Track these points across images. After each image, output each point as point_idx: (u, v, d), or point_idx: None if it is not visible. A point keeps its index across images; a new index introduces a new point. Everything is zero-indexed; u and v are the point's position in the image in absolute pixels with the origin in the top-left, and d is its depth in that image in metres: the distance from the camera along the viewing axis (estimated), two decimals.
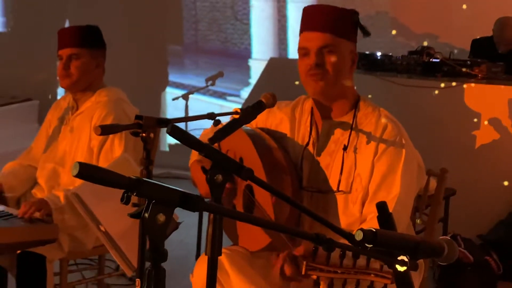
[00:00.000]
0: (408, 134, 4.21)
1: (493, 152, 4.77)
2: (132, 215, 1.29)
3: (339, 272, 1.89)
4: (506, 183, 4.67)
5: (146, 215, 1.28)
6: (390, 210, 2.05)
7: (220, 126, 2.32)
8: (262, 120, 2.62)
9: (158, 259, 1.31)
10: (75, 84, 3.22)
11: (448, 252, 1.57)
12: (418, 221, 3.20)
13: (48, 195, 3.05)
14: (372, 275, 1.84)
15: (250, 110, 2.34)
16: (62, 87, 3.33)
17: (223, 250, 2.46)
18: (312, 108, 2.54)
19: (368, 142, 2.43)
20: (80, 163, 1.18)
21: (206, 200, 1.55)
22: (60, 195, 3.00)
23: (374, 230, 1.46)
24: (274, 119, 2.62)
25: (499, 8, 5.64)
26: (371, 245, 1.48)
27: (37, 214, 2.93)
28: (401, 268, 1.55)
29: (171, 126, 1.59)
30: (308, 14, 2.46)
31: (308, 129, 2.53)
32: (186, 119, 2.24)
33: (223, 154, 1.69)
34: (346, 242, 1.64)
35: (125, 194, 1.27)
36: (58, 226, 2.90)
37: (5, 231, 2.77)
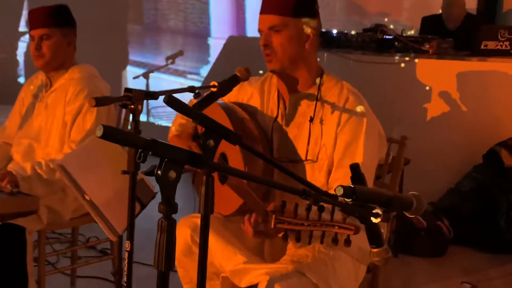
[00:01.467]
0: None
1: (443, 124, 4.88)
2: (147, 173, 1.39)
3: (305, 224, 1.92)
4: (458, 153, 4.80)
5: (160, 172, 1.36)
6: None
7: (199, 98, 2.43)
8: (234, 95, 2.66)
9: (170, 211, 1.40)
10: (48, 64, 3.22)
11: (416, 206, 1.69)
12: None
13: (14, 167, 3.05)
14: (336, 227, 1.87)
15: (226, 84, 2.41)
16: (36, 67, 3.30)
17: (199, 216, 2.59)
18: (278, 82, 2.60)
19: (332, 113, 2.48)
20: (104, 126, 1.27)
21: None
22: (27, 166, 2.99)
23: (353, 186, 1.60)
24: (245, 93, 2.68)
25: None
26: (350, 200, 1.62)
27: (3, 184, 2.90)
28: (375, 220, 1.66)
29: (168, 96, 1.67)
30: None
31: (276, 102, 2.59)
32: (170, 91, 2.30)
33: (214, 121, 1.76)
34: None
35: (142, 153, 1.35)
36: (39, 198, 2.87)
37: None
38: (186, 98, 2.82)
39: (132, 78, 6.74)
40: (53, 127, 3.18)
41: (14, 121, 3.42)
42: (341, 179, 2.41)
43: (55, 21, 3.21)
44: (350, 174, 2.33)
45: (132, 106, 2.20)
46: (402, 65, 4.97)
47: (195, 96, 2.39)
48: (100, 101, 2.27)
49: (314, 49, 2.55)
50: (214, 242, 2.47)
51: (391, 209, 1.67)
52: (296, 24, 2.45)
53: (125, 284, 2.41)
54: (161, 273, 1.43)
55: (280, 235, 2.07)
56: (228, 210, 2.53)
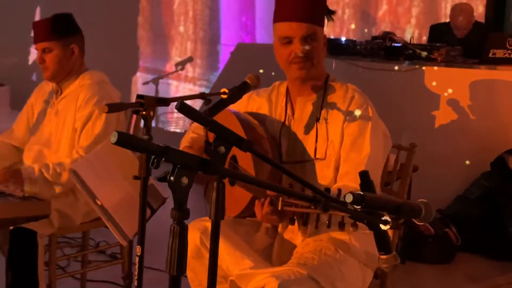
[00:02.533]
0: None
1: (452, 131, 4.87)
2: (159, 179, 1.42)
3: (312, 207, 1.92)
4: (467, 162, 4.78)
5: (172, 178, 1.38)
6: (362, 168, 2.19)
7: (209, 105, 2.45)
8: (243, 105, 2.75)
9: (182, 216, 1.43)
10: (54, 75, 3.26)
11: (425, 213, 1.71)
12: None
13: (24, 166, 3.09)
14: (342, 212, 1.88)
15: (236, 90, 2.45)
16: (44, 78, 3.33)
17: (209, 219, 2.61)
18: (287, 89, 2.68)
19: (338, 112, 2.55)
20: (119, 132, 1.29)
21: None
22: (36, 167, 3.02)
23: (362, 193, 1.62)
24: (254, 104, 2.76)
25: None
26: (359, 207, 1.64)
27: (11, 186, 2.92)
28: (384, 227, 1.68)
29: (180, 102, 1.69)
30: (284, 3, 2.56)
31: (284, 108, 2.67)
32: (181, 98, 2.32)
33: (225, 128, 1.79)
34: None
35: (155, 159, 1.37)
36: (50, 203, 2.87)
37: (1, 208, 2.76)
38: (197, 104, 2.85)
39: (142, 84, 6.78)
40: (64, 133, 3.20)
41: (21, 125, 3.46)
42: (349, 173, 2.45)
43: (54, 34, 3.23)
44: (357, 167, 2.41)
45: (144, 113, 2.23)
46: (411, 72, 4.97)
47: (206, 103, 2.42)
48: (112, 108, 2.29)
49: (323, 53, 2.63)
50: (222, 246, 2.42)
51: (400, 216, 1.69)
52: (321, 33, 2.56)
53: None
54: (173, 277, 1.45)
55: (287, 218, 2.14)
56: (236, 210, 2.56)
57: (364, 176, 1.85)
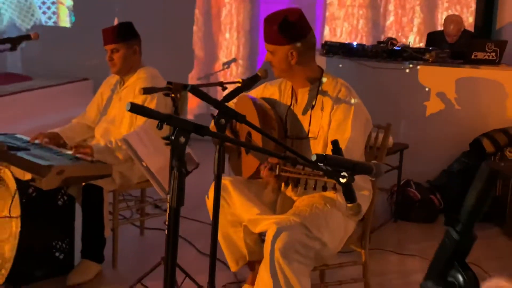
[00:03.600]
0: (375, 104, 4.38)
1: (439, 118, 4.86)
2: (164, 137, 1.53)
3: (302, 174, 2.04)
4: (450, 142, 4.76)
5: (173, 137, 1.48)
6: (344, 148, 2.27)
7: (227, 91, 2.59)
8: (260, 92, 2.83)
9: (180, 165, 1.50)
10: (120, 70, 3.37)
11: (376, 171, 1.81)
12: None
13: (93, 142, 3.21)
14: (326, 177, 2.00)
15: (249, 80, 2.59)
16: (112, 72, 3.43)
17: (229, 178, 2.73)
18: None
19: (329, 101, 2.59)
20: (132, 104, 1.42)
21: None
22: (102, 142, 3.15)
23: (324, 154, 1.74)
24: (268, 91, 2.81)
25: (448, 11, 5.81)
26: (322, 164, 1.76)
27: (86, 154, 3.04)
28: (342, 180, 1.74)
29: (191, 86, 1.84)
30: (263, 27, 2.62)
31: (290, 95, 2.72)
32: (201, 85, 2.44)
33: (227, 106, 1.92)
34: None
35: (160, 123, 1.48)
36: (111, 166, 3.01)
37: (76, 168, 2.87)
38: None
39: (196, 79, 6.84)
40: (125, 115, 3.30)
41: (92, 108, 3.57)
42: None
43: (120, 38, 3.32)
44: (342, 145, 2.46)
45: (173, 95, 2.35)
46: (407, 71, 4.95)
47: (223, 89, 2.54)
48: (147, 90, 2.42)
49: (303, 60, 2.61)
50: (237, 198, 2.62)
51: (355, 172, 1.79)
52: (282, 49, 2.56)
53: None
54: (173, 208, 1.53)
55: (283, 181, 2.23)
56: (249, 173, 2.64)
57: (334, 144, 1.95)
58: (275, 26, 2.54)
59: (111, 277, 3.27)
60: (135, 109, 1.46)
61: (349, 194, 1.83)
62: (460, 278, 0.80)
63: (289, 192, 2.69)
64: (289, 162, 1.82)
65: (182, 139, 1.48)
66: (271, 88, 2.81)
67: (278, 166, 2.13)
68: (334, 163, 1.75)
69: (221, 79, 6.62)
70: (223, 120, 1.84)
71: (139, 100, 3.22)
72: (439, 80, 4.90)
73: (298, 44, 2.58)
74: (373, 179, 1.88)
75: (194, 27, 6.99)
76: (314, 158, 1.68)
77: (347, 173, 1.75)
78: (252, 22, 6.76)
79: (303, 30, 2.59)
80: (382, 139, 2.79)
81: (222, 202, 2.60)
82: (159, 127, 1.48)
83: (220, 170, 1.82)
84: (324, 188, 2.05)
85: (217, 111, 1.93)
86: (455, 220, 0.84)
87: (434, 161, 4.74)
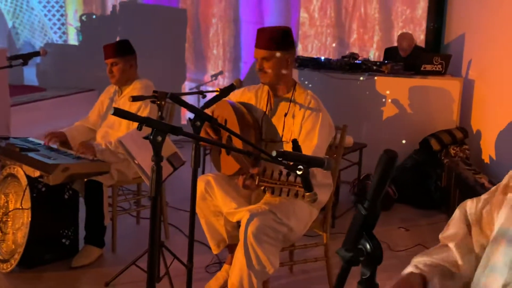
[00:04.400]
0: (340, 109, 4.37)
1: (394, 121, 4.90)
2: (144, 137, 1.53)
3: (277, 183, 2.04)
4: (403, 141, 4.83)
5: (151, 137, 1.49)
6: (311, 152, 2.30)
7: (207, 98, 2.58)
8: (239, 96, 2.78)
9: (158, 161, 1.51)
10: (118, 81, 3.35)
11: (327, 164, 1.83)
12: None
13: (95, 143, 3.21)
14: (297, 186, 1.99)
15: (225, 89, 2.54)
16: (111, 83, 3.43)
17: (212, 174, 2.73)
18: (268, 90, 2.69)
19: (299, 110, 2.57)
20: (116, 108, 1.44)
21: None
22: (103, 143, 3.14)
23: (283, 151, 1.77)
24: (245, 96, 2.77)
25: (402, 29, 5.86)
26: (281, 159, 1.78)
27: (85, 154, 3.03)
28: (299, 172, 1.76)
29: (170, 93, 1.85)
30: (257, 35, 2.59)
31: (266, 102, 2.70)
32: (184, 94, 2.43)
33: (201, 111, 1.93)
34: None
35: (140, 125, 1.49)
36: (110, 164, 3.02)
37: (78, 165, 2.89)
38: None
39: (189, 89, 6.84)
40: (122, 120, 3.22)
41: (94, 114, 3.56)
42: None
43: (119, 53, 3.32)
44: (308, 151, 2.47)
45: (158, 102, 2.35)
46: (367, 81, 4.98)
47: (203, 97, 2.54)
48: (135, 98, 2.42)
49: (290, 68, 2.61)
50: (218, 192, 2.62)
51: (309, 165, 1.81)
52: (278, 55, 2.55)
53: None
54: (152, 197, 1.56)
55: (261, 188, 2.16)
56: (230, 172, 2.63)
57: (294, 142, 1.98)
58: (277, 33, 2.53)
59: (110, 259, 3.28)
60: (118, 113, 1.48)
61: (307, 184, 1.84)
62: (368, 245, 0.85)
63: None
64: (260, 159, 1.82)
65: (159, 138, 1.49)
66: (249, 94, 2.78)
67: (257, 177, 2.11)
68: (292, 158, 1.77)
69: (211, 89, 6.62)
70: (198, 123, 1.85)
71: (135, 107, 3.22)
72: (393, 89, 4.93)
73: (293, 52, 2.60)
74: (326, 170, 1.88)
75: (186, 44, 7.00)
76: (274, 153, 1.70)
77: (302, 166, 1.77)
78: (235, 40, 6.78)
79: (294, 42, 2.63)
80: (340, 138, 2.81)
81: (206, 195, 2.65)
82: (139, 128, 1.50)
83: (196, 165, 1.84)
84: (296, 195, 2.03)
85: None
86: (364, 198, 0.88)
87: None
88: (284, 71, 2.59)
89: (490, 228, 1.21)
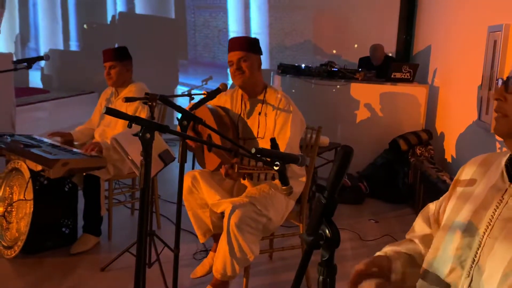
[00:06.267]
0: (317, 112, 4.34)
1: (367, 123, 4.93)
2: (135, 134, 1.54)
3: (255, 169, 2.06)
4: (373, 141, 4.83)
5: (141, 134, 1.49)
6: (285, 145, 2.31)
7: (192, 103, 2.58)
8: (217, 100, 2.77)
9: (147, 156, 1.51)
10: (115, 83, 3.32)
11: (301, 160, 1.86)
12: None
13: (101, 141, 3.19)
14: (272, 170, 1.93)
15: (212, 93, 2.51)
16: (108, 85, 3.40)
17: (198, 170, 2.74)
18: (241, 93, 2.68)
19: (272, 109, 2.58)
20: (107, 108, 1.44)
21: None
22: (108, 140, 3.12)
23: (261, 148, 1.78)
24: (222, 99, 2.76)
25: (375, 40, 5.92)
26: (259, 155, 1.80)
27: (93, 151, 3.03)
28: (276, 168, 1.82)
29: (160, 95, 1.86)
30: (231, 42, 2.61)
31: (240, 103, 2.69)
32: (173, 96, 2.43)
33: (188, 111, 1.93)
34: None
35: (130, 123, 1.48)
36: (106, 159, 2.99)
37: (77, 161, 2.85)
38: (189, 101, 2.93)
39: (181, 93, 6.83)
40: (118, 120, 3.22)
41: (95, 116, 3.54)
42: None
43: (117, 57, 3.30)
44: (283, 144, 2.47)
45: (150, 103, 2.36)
46: (343, 87, 5.00)
47: (190, 100, 2.54)
48: (128, 99, 2.41)
49: (259, 71, 2.63)
50: (204, 186, 2.61)
51: (284, 161, 1.84)
52: (253, 57, 2.58)
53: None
54: (142, 189, 1.57)
55: (241, 179, 2.21)
56: (213, 166, 2.64)
57: (272, 141, 1.98)
58: (250, 39, 2.58)
59: (106, 247, 3.26)
60: (110, 112, 1.49)
61: (283, 178, 1.85)
62: (327, 231, 0.86)
63: (243, 181, 2.71)
64: (239, 156, 1.84)
65: (148, 135, 1.50)
66: (225, 97, 2.77)
67: (236, 165, 2.12)
68: (269, 155, 1.79)
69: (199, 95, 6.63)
70: (185, 122, 1.86)
71: (132, 107, 3.22)
72: (366, 94, 4.96)
73: (260, 56, 2.62)
74: (301, 166, 1.91)
75: (179, 51, 6.98)
76: (253, 150, 1.71)
77: (279, 162, 1.80)
78: (224, 48, 6.79)
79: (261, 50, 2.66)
80: (315, 138, 2.84)
81: (193, 189, 2.64)
82: (129, 126, 1.51)
83: (183, 160, 1.85)
84: (273, 178, 2.04)
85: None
86: (323, 188, 0.90)
87: (362, 156, 4.80)
88: (257, 73, 2.61)
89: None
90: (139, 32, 6.88)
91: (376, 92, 4.94)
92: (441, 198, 1.32)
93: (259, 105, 2.64)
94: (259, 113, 2.63)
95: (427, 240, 1.28)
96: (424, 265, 1.17)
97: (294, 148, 2.51)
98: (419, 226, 1.36)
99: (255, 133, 2.64)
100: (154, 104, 2.32)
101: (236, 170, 2.08)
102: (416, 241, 1.32)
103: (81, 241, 3.19)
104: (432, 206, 1.36)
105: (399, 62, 5.48)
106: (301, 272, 0.91)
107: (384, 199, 4.51)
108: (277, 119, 2.56)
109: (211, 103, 2.74)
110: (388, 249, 1.30)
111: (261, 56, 2.65)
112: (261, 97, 2.66)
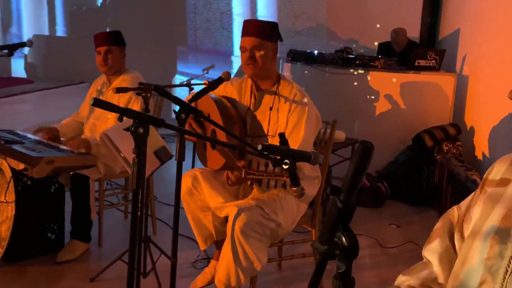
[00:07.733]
0: (332, 104, 4.32)
1: (386, 116, 4.91)
2: (126, 129, 1.53)
3: (264, 175, 2.01)
4: (394, 137, 4.81)
5: (133, 128, 1.47)
6: (297, 146, 2.28)
7: (194, 92, 2.57)
8: (222, 91, 2.73)
9: (140, 153, 1.50)
10: (110, 69, 3.31)
11: (313, 158, 1.83)
12: None
13: (89, 137, 3.17)
14: (285, 177, 1.93)
15: (214, 82, 2.47)
16: (102, 72, 3.37)
17: (198, 169, 2.73)
18: (251, 83, 2.65)
19: (285, 103, 2.55)
20: (95, 99, 1.42)
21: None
22: (97, 136, 3.12)
23: (268, 144, 1.76)
24: (228, 90, 2.73)
25: (397, 24, 5.87)
26: (267, 152, 1.78)
27: (82, 149, 3.01)
28: (285, 166, 1.75)
29: (155, 85, 1.84)
30: (245, 25, 2.56)
31: (249, 95, 2.66)
32: (169, 86, 2.42)
33: (187, 103, 1.92)
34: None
35: (121, 116, 1.46)
36: (96, 157, 3.00)
37: (64, 159, 2.84)
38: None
39: (179, 83, 6.82)
40: (110, 112, 3.21)
41: (85, 108, 3.54)
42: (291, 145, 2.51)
43: (114, 41, 3.30)
44: (295, 144, 2.47)
45: (144, 94, 2.35)
46: (360, 75, 4.98)
47: (190, 90, 2.53)
48: (119, 90, 2.41)
49: (274, 60, 2.60)
50: (205, 187, 2.60)
51: (295, 160, 1.82)
52: (269, 45, 2.55)
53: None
54: (135, 190, 1.56)
55: (248, 182, 2.16)
56: (216, 166, 2.61)
57: (281, 136, 1.97)
58: (267, 24, 2.53)
59: (97, 254, 3.26)
60: (98, 103, 1.47)
61: (294, 179, 1.83)
62: (343, 239, 0.84)
63: (249, 183, 2.67)
64: (247, 158, 1.81)
65: (141, 130, 1.48)
66: (231, 88, 2.74)
67: (243, 170, 2.08)
68: (277, 152, 1.76)
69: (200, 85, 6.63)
70: (183, 115, 1.84)
71: (125, 98, 3.21)
72: (386, 84, 4.93)
73: (277, 44, 2.58)
74: (313, 165, 1.88)
75: (177, 37, 6.96)
76: (260, 147, 1.69)
77: (289, 161, 1.76)
78: (228, 34, 6.76)
79: (280, 37, 2.62)
80: (329, 134, 2.81)
81: (193, 190, 2.63)
82: (120, 119, 1.49)
83: (181, 158, 1.84)
84: (284, 186, 1.99)
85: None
86: (339, 190, 0.87)
87: (382, 154, 4.76)
88: (271, 63, 2.58)
89: (468, 228, 1.20)
90: (133, 15, 6.87)
91: (398, 81, 4.90)
92: (466, 201, 1.27)
93: (271, 98, 2.61)
94: (271, 108, 2.59)
95: (445, 260, 1.23)
96: (451, 279, 1.14)
97: (307, 148, 2.47)
98: (438, 234, 1.29)
99: (265, 130, 2.61)
100: (148, 95, 2.31)
101: (243, 176, 2.05)
102: (434, 262, 1.26)
103: (68, 248, 3.19)
104: (453, 212, 1.30)
105: (424, 48, 5.45)
106: (314, 286, 0.88)
107: (407, 201, 4.50)
108: (290, 116, 2.53)
109: (215, 94, 2.71)
110: (403, 284, 1.25)
111: (277, 43, 2.60)
112: (273, 89, 2.62)
